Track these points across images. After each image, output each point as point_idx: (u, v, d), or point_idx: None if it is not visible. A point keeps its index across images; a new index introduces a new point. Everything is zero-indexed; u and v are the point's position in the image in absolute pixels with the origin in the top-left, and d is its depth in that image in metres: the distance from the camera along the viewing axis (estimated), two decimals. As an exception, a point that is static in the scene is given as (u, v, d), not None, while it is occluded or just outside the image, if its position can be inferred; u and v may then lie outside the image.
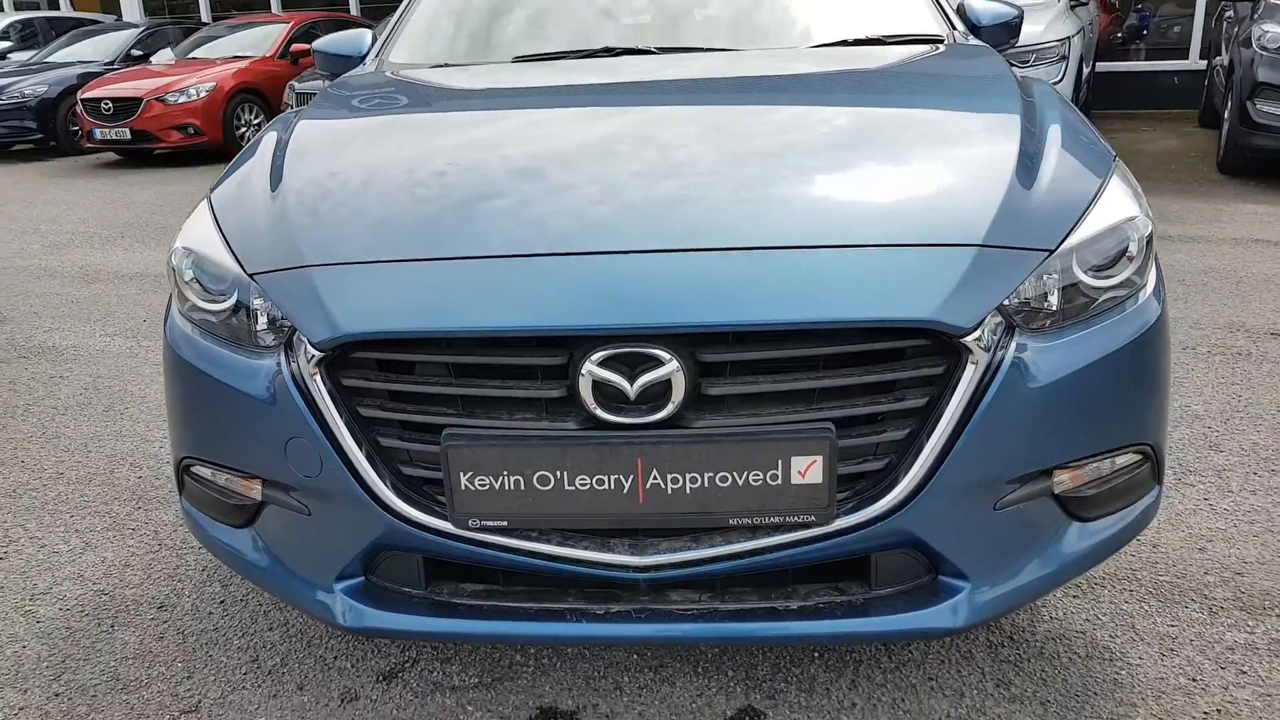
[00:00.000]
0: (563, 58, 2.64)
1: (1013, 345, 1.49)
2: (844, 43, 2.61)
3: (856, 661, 1.91)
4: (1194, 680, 1.84)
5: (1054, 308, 1.56)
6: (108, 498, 2.82)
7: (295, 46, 10.86)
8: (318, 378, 1.53)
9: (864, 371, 1.46)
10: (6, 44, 13.50)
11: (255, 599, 2.21)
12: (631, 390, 1.43)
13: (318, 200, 1.78)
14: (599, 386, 1.43)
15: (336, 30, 5.29)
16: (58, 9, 17.48)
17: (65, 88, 11.23)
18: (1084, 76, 8.13)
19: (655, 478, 1.46)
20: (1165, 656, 1.90)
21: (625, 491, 1.47)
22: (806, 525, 1.49)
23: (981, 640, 1.97)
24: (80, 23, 14.34)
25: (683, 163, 1.76)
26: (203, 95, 9.99)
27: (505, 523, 1.51)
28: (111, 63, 12.05)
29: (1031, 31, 6.78)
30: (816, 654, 1.92)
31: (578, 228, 1.58)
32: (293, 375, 1.56)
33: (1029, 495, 1.58)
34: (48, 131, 11.30)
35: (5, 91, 11.15)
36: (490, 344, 1.49)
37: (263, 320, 1.62)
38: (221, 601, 2.25)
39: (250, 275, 1.66)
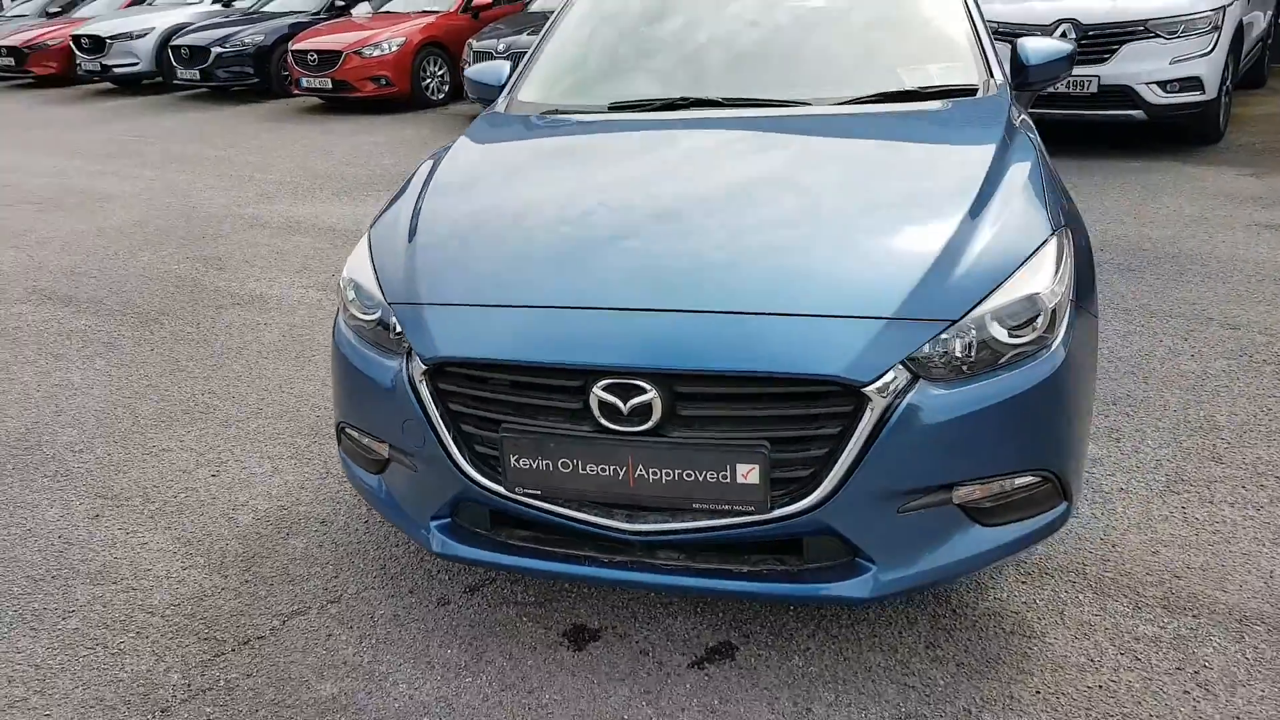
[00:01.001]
0: (645, 107, 3.18)
1: (912, 392, 1.99)
2: (883, 97, 3.03)
3: (821, 617, 2.46)
4: (1091, 660, 2.29)
5: (959, 362, 2.04)
6: (294, 431, 3.63)
7: (476, 1, 11.65)
8: (423, 383, 2.20)
9: (791, 406, 2.00)
10: (231, -8, 14.90)
11: (388, 525, 2.95)
12: (625, 408, 2.02)
13: (437, 249, 2.44)
14: (604, 404, 2.04)
15: None
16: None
17: (279, 37, 12.42)
18: (1249, 44, 7.95)
19: (641, 470, 2.06)
20: (1077, 639, 2.36)
21: (620, 478, 2.07)
22: (747, 513, 2.06)
23: (929, 610, 2.48)
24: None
25: (689, 235, 2.31)
26: (394, 49, 10.94)
27: (540, 492, 2.15)
28: (318, 13, 13.19)
29: (1159, 5, 6.77)
30: (791, 609, 2.49)
31: (599, 288, 2.17)
32: (408, 377, 2.23)
33: (931, 503, 2.08)
34: (263, 77, 12.55)
35: (229, 41, 12.44)
36: (533, 370, 2.11)
37: (394, 334, 2.29)
38: (365, 522, 2.99)
39: (388, 302, 2.34)
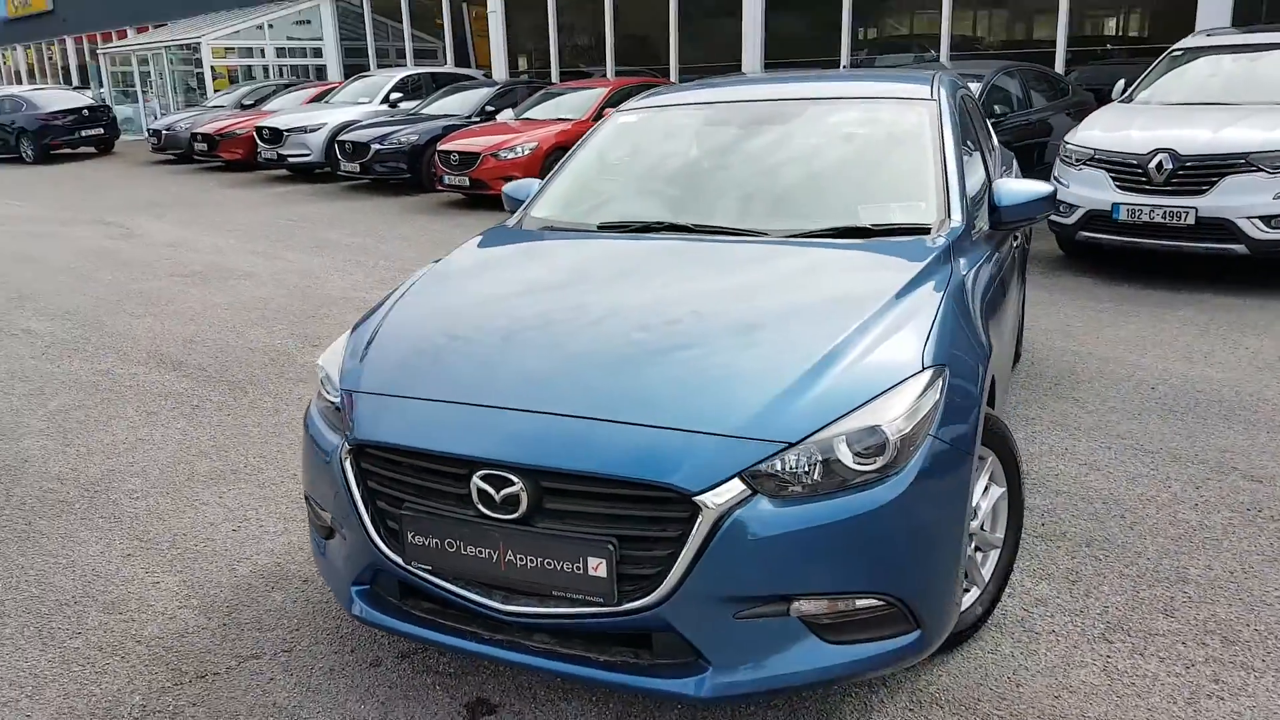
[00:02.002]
0: (626, 229, 3.48)
1: (745, 506, 2.18)
2: (836, 232, 3.23)
3: None
4: None
5: (801, 482, 2.22)
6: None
7: (607, 111, 12.36)
8: (347, 460, 2.53)
9: (636, 509, 2.22)
10: (398, 95, 16.24)
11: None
12: (497, 497, 2.29)
13: (386, 345, 2.79)
14: (481, 492, 2.31)
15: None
16: (465, 63, 20.50)
17: (431, 137, 13.45)
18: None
19: (510, 555, 2.31)
20: None
21: (493, 561, 2.33)
22: (598, 604, 2.27)
23: None
24: (456, 78, 16.92)
25: (576, 352, 2.57)
26: (526, 153, 11.71)
27: (431, 567, 2.43)
28: (470, 117, 14.23)
29: (1262, 138, 6.64)
30: (678, 708, 2.65)
31: (489, 388, 2.46)
32: (340, 455, 2.57)
33: (768, 613, 2.24)
34: (415, 173, 13.58)
35: (387, 139, 13.56)
36: (427, 456, 2.41)
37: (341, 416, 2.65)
38: (342, 586, 3.32)
39: (340, 388, 2.70)
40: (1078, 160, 7.68)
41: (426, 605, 2.56)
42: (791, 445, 2.23)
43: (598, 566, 2.24)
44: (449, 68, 19.86)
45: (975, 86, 9.67)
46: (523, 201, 4.01)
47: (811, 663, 2.28)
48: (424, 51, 21.85)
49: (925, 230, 3.21)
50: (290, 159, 15.48)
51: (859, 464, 2.26)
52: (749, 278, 2.96)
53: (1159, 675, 2.76)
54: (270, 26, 24.00)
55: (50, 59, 35.81)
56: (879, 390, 2.35)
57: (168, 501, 4.00)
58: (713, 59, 16.52)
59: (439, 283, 3.24)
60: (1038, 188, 3.49)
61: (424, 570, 2.45)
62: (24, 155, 21.09)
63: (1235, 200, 6.85)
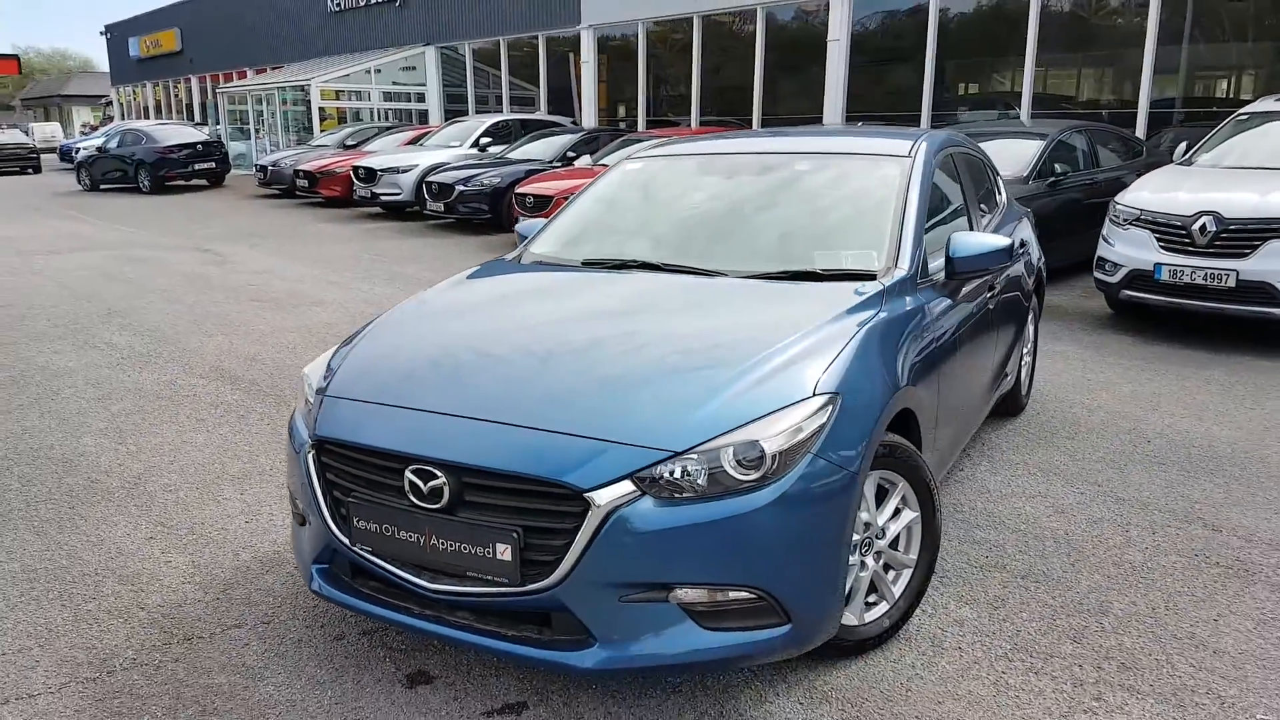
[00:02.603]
0: (605, 265, 3.84)
1: (633, 504, 2.49)
2: (789, 274, 3.53)
3: (608, 697, 2.91)
4: None
5: (687, 486, 2.52)
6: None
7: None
8: (310, 455, 2.93)
9: (538, 503, 2.55)
10: (488, 140, 17.00)
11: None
12: (425, 489, 2.65)
13: (355, 361, 3.19)
14: (412, 484, 2.67)
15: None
16: (566, 110, 21.29)
17: (512, 180, 14.08)
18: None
19: (434, 540, 2.66)
20: None
21: (421, 544, 2.68)
22: (504, 584, 2.60)
23: (703, 706, 2.86)
24: (545, 125, 17.63)
25: (511, 367, 2.93)
26: (595, 198, 12.21)
27: (372, 549, 2.79)
28: (551, 162, 14.83)
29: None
30: (586, 685, 2.94)
31: (429, 396, 2.83)
32: (306, 450, 2.96)
33: (650, 598, 2.54)
34: (496, 213, 14.21)
35: (471, 181, 14.25)
36: (370, 452, 2.78)
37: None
38: (329, 573, 3.71)
39: (315, 391, 3.11)
40: (1125, 220, 7.77)
41: (372, 584, 2.92)
42: (677, 454, 2.53)
43: (505, 552, 2.57)
44: (541, 114, 20.64)
45: (1037, 144, 9.80)
46: (526, 237, 4.40)
47: (688, 645, 2.56)
48: (522, 99, 22.73)
49: (871, 276, 3.48)
50: (382, 197, 16.31)
51: (740, 474, 2.55)
52: (691, 311, 3.29)
53: (1044, 691, 2.95)
54: (378, 71, 25.28)
55: (176, 96, 38.17)
56: (767, 411, 2.65)
57: (194, 495, 4.47)
58: (795, 111, 16.91)
59: (417, 305, 3.64)
60: (991, 241, 3.71)
61: (366, 551, 2.81)
62: (141, 185, 22.59)
63: (1277, 265, 6.87)
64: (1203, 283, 7.15)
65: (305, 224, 15.90)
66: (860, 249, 3.64)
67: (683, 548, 2.52)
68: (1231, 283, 7.02)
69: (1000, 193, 5.35)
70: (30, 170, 32.52)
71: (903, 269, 3.53)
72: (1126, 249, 7.65)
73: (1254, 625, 3.32)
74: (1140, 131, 12.69)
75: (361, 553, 2.82)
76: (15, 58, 59.27)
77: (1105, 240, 7.96)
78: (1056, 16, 13.60)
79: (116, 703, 2.91)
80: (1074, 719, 2.83)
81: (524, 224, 4.58)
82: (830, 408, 2.73)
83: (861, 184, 3.98)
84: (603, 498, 2.49)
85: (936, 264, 3.71)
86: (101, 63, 47.08)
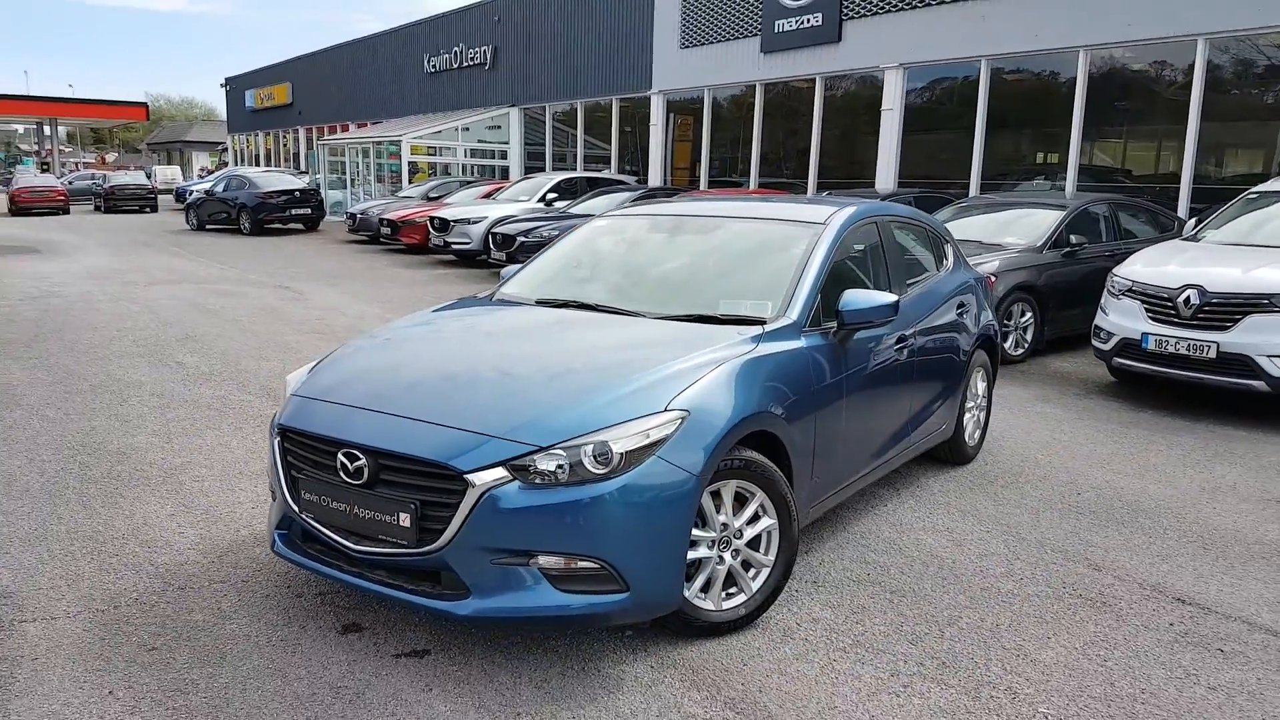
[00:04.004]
0: (552, 303, 4.57)
1: (499, 486, 3.18)
2: (693, 317, 4.20)
3: (490, 649, 3.56)
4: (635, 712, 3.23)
5: (552, 475, 3.18)
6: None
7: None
8: (276, 440, 3.69)
9: (430, 481, 3.25)
10: (554, 195, 18.02)
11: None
12: (351, 467, 3.38)
13: (322, 371, 3.96)
14: (342, 463, 3.41)
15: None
16: (638, 169, 22.28)
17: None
18: None
19: (357, 509, 3.38)
20: (644, 701, 3.30)
21: (347, 513, 3.41)
22: (404, 546, 3.30)
23: (568, 657, 3.50)
24: (608, 182, 18.60)
25: (433, 378, 3.68)
26: (639, 254, 12.99)
27: (312, 516, 3.53)
28: (608, 218, 15.70)
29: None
30: (481, 635, 3.60)
31: (359, 396, 3.58)
32: (273, 437, 3.73)
33: (515, 562, 3.21)
34: (553, 263, 15.09)
35: (532, 233, 15.19)
36: (311, 437, 3.53)
37: None
38: (307, 551, 4.46)
39: (289, 394, 3.89)
40: (1119, 291, 8.18)
41: (316, 546, 3.65)
42: (543, 449, 3.22)
43: (405, 519, 3.28)
44: (608, 173, 21.66)
45: (1056, 215, 10.22)
46: (507, 279, 5.16)
47: (545, 601, 3.22)
48: (596, 156, 23.82)
49: (761, 322, 4.13)
50: (454, 245, 17.41)
51: (594, 467, 3.22)
52: (599, 339, 3.99)
53: (862, 676, 3.50)
54: (465, 129, 26.74)
55: (285, 145, 40.56)
56: (623, 419, 3.32)
57: (216, 485, 5.29)
58: (850, 175, 17.55)
59: (382, 330, 4.44)
60: (876, 298, 4.30)
61: (310, 518, 3.55)
62: (242, 227, 24.27)
63: (1256, 338, 7.19)
64: (1186, 353, 7.50)
65: (381, 268, 17.05)
66: (759, 299, 4.28)
67: (542, 523, 3.19)
68: (1212, 354, 7.36)
69: (946, 259, 5.91)
70: (148, 209, 34.97)
71: (790, 317, 4.16)
72: (1119, 318, 8.04)
73: (1081, 645, 3.80)
74: (1183, 206, 12.94)
75: (307, 519, 3.55)
76: (144, 105, 63.39)
77: (1102, 309, 8.36)
78: (1103, 91, 14.01)
79: (115, 626, 3.69)
80: (876, 699, 3.36)
81: (506, 270, 5.33)
82: (678, 422, 3.38)
83: (776, 244, 4.63)
84: (479, 479, 3.19)
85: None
86: (222, 112, 50.22)
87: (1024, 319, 9.47)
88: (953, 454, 5.91)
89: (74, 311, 11.50)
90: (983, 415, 6.27)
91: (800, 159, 18.36)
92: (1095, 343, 8.32)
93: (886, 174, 16.57)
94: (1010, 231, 10.16)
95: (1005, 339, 9.28)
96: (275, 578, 4.15)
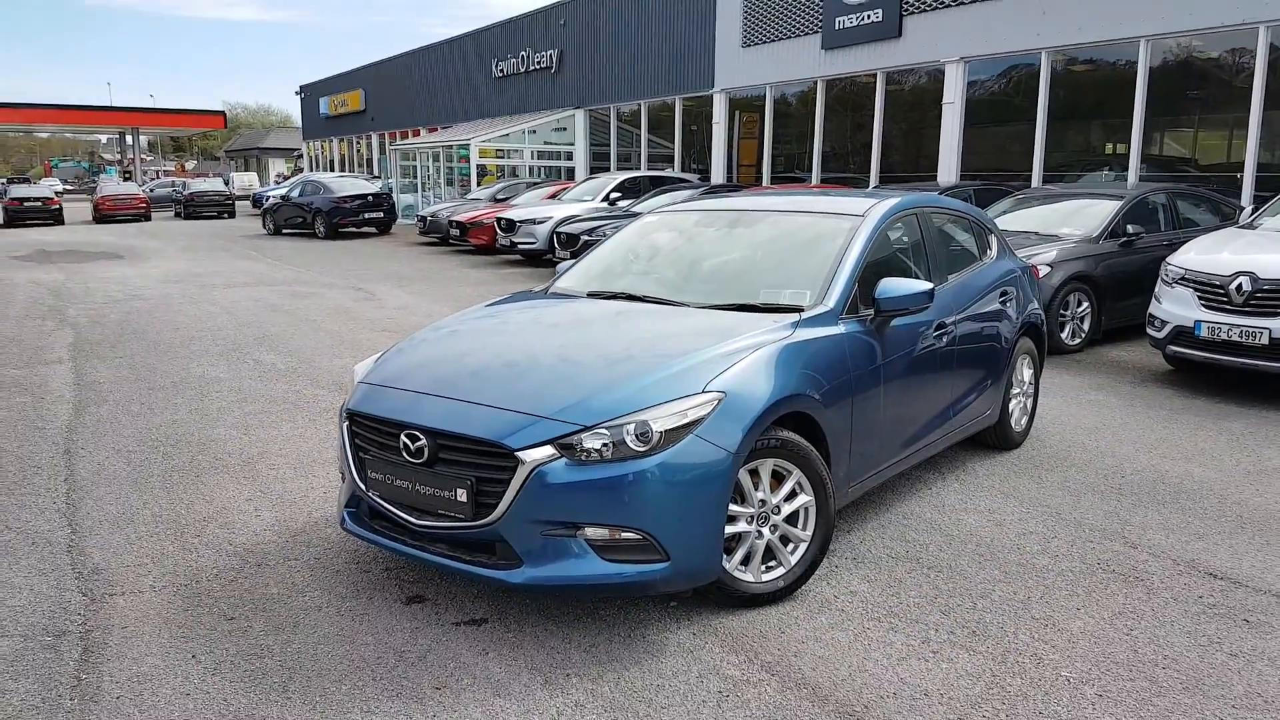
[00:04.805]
0: (602, 295, 4.81)
1: (552, 463, 3.43)
2: (736, 306, 4.40)
3: (540, 616, 3.81)
4: (682, 670, 3.45)
5: (598, 452, 3.43)
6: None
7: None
8: (345, 425, 3.99)
9: (485, 459, 3.52)
10: (617, 194, 18.30)
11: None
12: (412, 448, 3.66)
13: (387, 359, 4.25)
14: (404, 444, 3.69)
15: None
16: (702, 168, 22.49)
17: (630, 232, 15.23)
18: None
19: (419, 486, 3.66)
20: (688, 664, 3.52)
21: (410, 490, 3.69)
22: (461, 520, 3.57)
23: (615, 626, 3.74)
24: (671, 180, 18.82)
25: (490, 365, 3.93)
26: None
27: (378, 494, 3.82)
28: (668, 216, 15.92)
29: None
30: (533, 605, 3.86)
31: (423, 381, 3.86)
32: (341, 422, 4.03)
33: (564, 533, 3.45)
34: (614, 261, 15.37)
35: (594, 231, 15.49)
36: (377, 420, 3.82)
37: None
38: (375, 530, 4.77)
39: (357, 382, 4.19)
40: (1172, 279, 8.18)
41: (382, 523, 3.94)
42: (587, 428, 3.46)
43: (462, 495, 3.55)
44: (671, 171, 21.88)
45: (1113, 205, 10.19)
46: (560, 274, 5.43)
47: (592, 570, 3.46)
48: (660, 155, 24.06)
49: (799, 309, 4.32)
50: (519, 246, 17.79)
51: (636, 445, 3.46)
52: (644, 328, 4.22)
53: (893, 644, 3.68)
54: (532, 132, 27.19)
55: (358, 150, 41.55)
56: (663, 400, 3.54)
57: (291, 473, 5.64)
58: (912, 170, 17.53)
59: (446, 321, 4.71)
60: (912, 285, 4.46)
61: (376, 495, 3.84)
62: (316, 231, 25.02)
63: (1310, 324, 7.19)
64: (1238, 340, 7.49)
65: (450, 268, 17.51)
66: (798, 288, 4.47)
67: (588, 497, 3.43)
68: (1265, 340, 7.34)
69: (990, 249, 6.02)
70: (226, 215, 36.15)
71: (827, 305, 4.34)
72: (1172, 307, 8.04)
73: (1109, 615, 3.92)
74: (1246, 194, 12.76)
75: (373, 497, 3.84)
76: (222, 114, 65.28)
77: (1156, 298, 8.35)
78: (1165, 80, 13.83)
79: (197, 599, 4.02)
80: (906, 663, 3.54)
81: (561, 265, 5.59)
82: (715, 403, 3.59)
83: (816, 236, 4.81)
84: (529, 457, 3.44)
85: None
86: (298, 118, 51.56)
87: (1080, 309, 9.46)
88: (998, 439, 6.02)
89: (156, 314, 12.08)
90: (1029, 402, 6.36)
91: (862, 154, 18.38)
92: (1150, 331, 8.31)
93: (948, 167, 16.53)
94: (1068, 222, 10.15)
95: (1062, 329, 9.29)
96: (345, 555, 4.45)
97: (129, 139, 64.67)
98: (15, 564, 4.37)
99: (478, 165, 27.09)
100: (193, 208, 36.08)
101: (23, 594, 4.07)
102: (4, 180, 62.52)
